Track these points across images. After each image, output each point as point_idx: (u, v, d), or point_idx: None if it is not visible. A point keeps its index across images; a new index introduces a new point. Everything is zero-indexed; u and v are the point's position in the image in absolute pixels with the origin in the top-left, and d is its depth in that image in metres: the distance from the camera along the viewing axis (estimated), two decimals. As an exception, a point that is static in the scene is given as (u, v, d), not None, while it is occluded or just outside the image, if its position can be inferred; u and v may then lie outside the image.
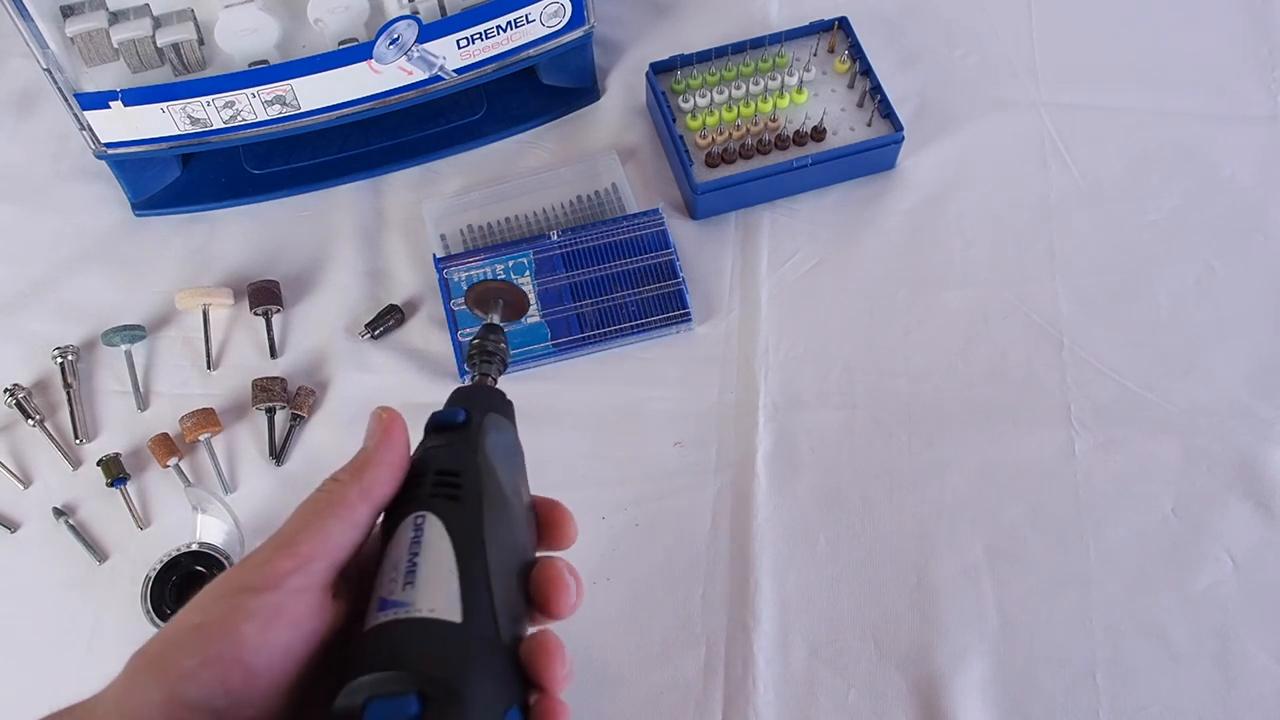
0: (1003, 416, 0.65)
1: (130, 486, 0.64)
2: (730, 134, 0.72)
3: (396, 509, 0.35)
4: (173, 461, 0.64)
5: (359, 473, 0.34)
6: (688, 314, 0.68)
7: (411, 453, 0.37)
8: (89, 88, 0.64)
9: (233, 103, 0.66)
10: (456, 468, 0.36)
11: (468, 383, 0.41)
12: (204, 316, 0.69)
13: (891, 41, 0.79)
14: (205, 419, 0.65)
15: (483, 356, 0.41)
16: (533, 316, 0.67)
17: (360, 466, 0.34)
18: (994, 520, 0.61)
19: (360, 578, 0.34)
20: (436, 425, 0.38)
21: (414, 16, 0.65)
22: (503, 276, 0.68)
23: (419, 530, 0.33)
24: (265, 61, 0.66)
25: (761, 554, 0.61)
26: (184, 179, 0.75)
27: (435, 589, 0.32)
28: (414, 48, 0.66)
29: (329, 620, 0.31)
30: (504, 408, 0.40)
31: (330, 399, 0.67)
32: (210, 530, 0.60)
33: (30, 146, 0.78)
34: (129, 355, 0.68)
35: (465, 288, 0.42)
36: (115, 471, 0.64)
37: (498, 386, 0.40)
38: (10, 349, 0.69)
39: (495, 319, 0.43)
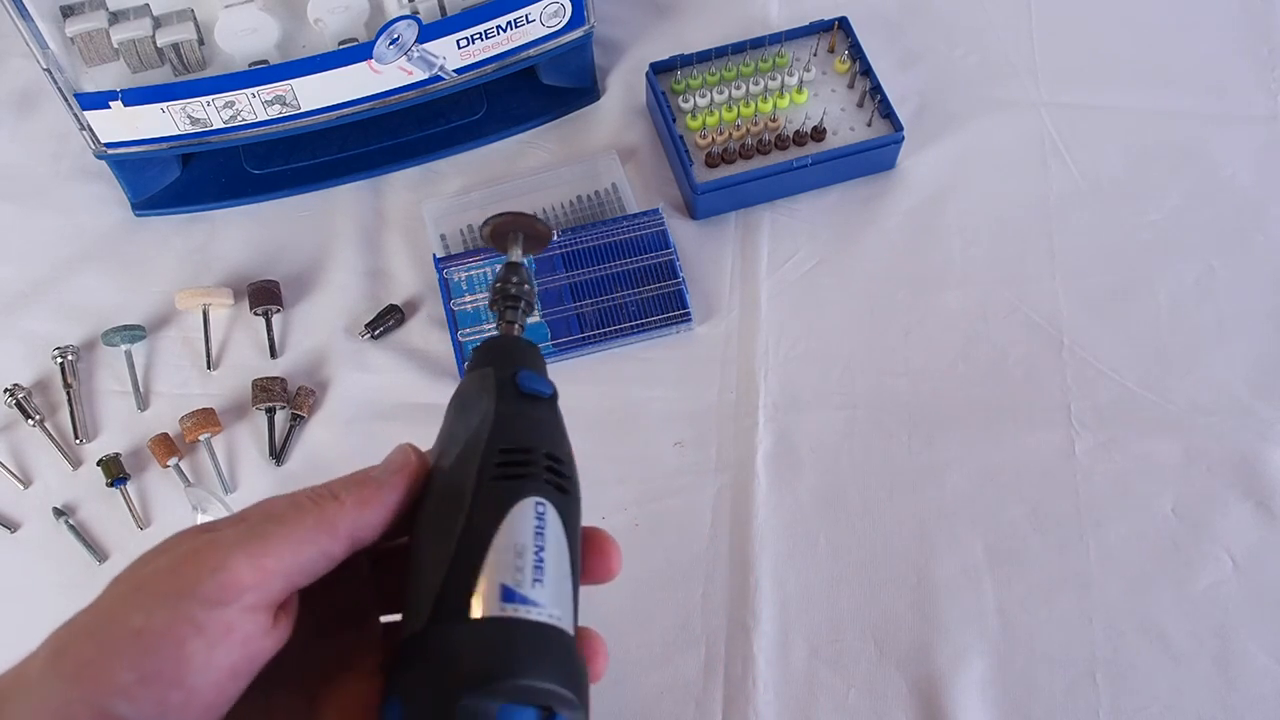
0: (1003, 416, 0.65)
1: (130, 486, 0.64)
2: (730, 134, 0.72)
3: (502, 477, 0.30)
4: (173, 461, 0.64)
5: (359, 506, 0.30)
6: (688, 314, 0.68)
7: (490, 406, 0.32)
8: (89, 88, 0.64)
9: (233, 103, 0.66)
10: (561, 455, 0.32)
11: (493, 332, 0.36)
12: (204, 316, 0.69)
13: (891, 41, 0.79)
14: (205, 419, 0.65)
15: (508, 301, 0.36)
16: (533, 316, 0.67)
17: (362, 501, 0.31)
18: (994, 520, 0.61)
19: (309, 596, 0.30)
20: (527, 390, 0.33)
21: (414, 16, 0.65)
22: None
23: (541, 520, 0.30)
24: (265, 61, 0.66)
25: (761, 554, 0.61)
26: (184, 179, 0.75)
27: (558, 593, 0.29)
28: (414, 48, 0.66)
29: (276, 640, 0.29)
30: (538, 361, 0.36)
31: (330, 399, 0.67)
32: (210, 530, 0.60)
33: (30, 146, 0.78)
34: (129, 355, 0.68)
35: (481, 229, 0.37)
36: (115, 471, 0.64)
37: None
38: (10, 349, 0.69)
39: (517, 255, 0.37)
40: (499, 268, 0.37)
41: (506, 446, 0.31)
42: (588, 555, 0.33)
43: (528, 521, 0.30)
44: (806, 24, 0.76)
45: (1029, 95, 0.77)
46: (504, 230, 0.37)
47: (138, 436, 0.66)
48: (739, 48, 0.74)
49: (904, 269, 0.70)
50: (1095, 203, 0.72)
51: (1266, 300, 0.68)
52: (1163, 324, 0.68)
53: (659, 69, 0.74)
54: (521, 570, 0.29)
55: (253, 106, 0.67)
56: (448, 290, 0.68)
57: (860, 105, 0.73)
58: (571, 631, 0.29)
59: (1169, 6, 0.81)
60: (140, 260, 0.73)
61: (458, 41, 0.68)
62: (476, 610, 0.28)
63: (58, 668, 0.27)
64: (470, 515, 0.30)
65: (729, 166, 0.71)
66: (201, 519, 0.61)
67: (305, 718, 0.31)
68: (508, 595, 0.28)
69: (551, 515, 0.30)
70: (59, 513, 0.63)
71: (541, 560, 0.29)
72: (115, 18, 0.63)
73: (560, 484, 0.31)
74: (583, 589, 0.32)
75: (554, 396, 0.34)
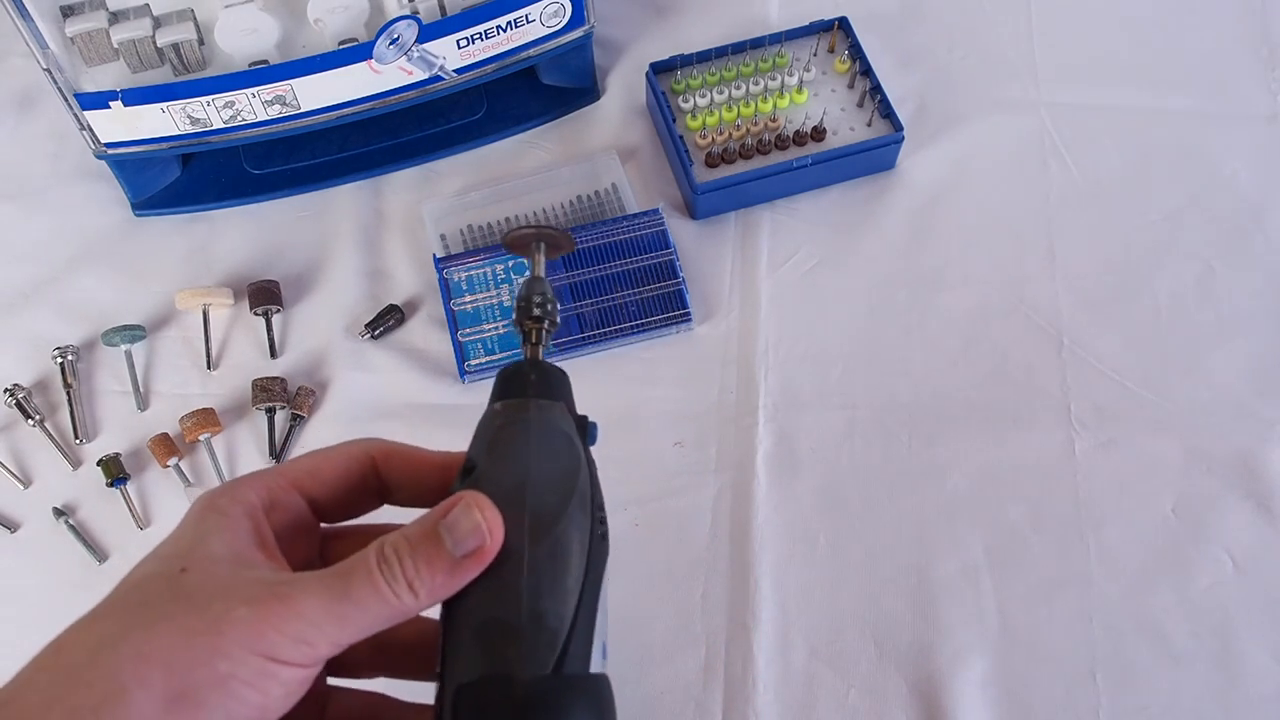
0: (1003, 416, 0.65)
1: (130, 486, 0.64)
2: (730, 134, 0.72)
3: (599, 536, 0.32)
4: (173, 461, 0.64)
5: (430, 597, 0.30)
6: (688, 314, 0.68)
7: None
8: (89, 88, 0.64)
9: (233, 103, 0.66)
10: (603, 503, 0.33)
11: (522, 357, 0.36)
12: (204, 316, 0.69)
13: (891, 41, 0.79)
14: (205, 419, 0.65)
15: (532, 323, 0.35)
16: (533, 316, 0.67)
17: (433, 592, 0.30)
18: (994, 520, 0.61)
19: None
20: (592, 441, 0.35)
21: (414, 16, 0.65)
22: (503, 277, 0.68)
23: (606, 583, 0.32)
24: (265, 61, 0.66)
25: (761, 554, 0.61)
26: (184, 179, 0.75)
27: (598, 643, 0.31)
28: (414, 48, 0.66)
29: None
30: (567, 389, 0.36)
31: (330, 399, 0.67)
32: (210, 530, 0.60)
33: (30, 146, 0.78)
34: (129, 355, 0.68)
35: (503, 239, 0.37)
36: (115, 471, 0.64)
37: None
38: (10, 349, 0.69)
39: (540, 268, 0.36)
40: (520, 283, 0.37)
41: (600, 503, 0.33)
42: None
43: (607, 585, 0.32)
44: (806, 24, 0.76)
45: (1029, 95, 0.77)
46: (526, 242, 0.37)
47: (138, 436, 0.66)
48: (739, 48, 0.74)
49: (904, 269, 0.70)
50: (1095, 203, 0.72)
51: (1266, 300, 0.68)
52: (1163, 324, 0.68)
53: (659, 69, 0.74)
54: (606, 628, 0.31)
55: (253, 106, 0.67)
56: (448, 290, 0.68)
57: (860, 105, 0.73)
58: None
59: (1169, 6, 0.81)
60: (140, 260, 0.73)
61: (458, 41, 0.68)
62: (595, 665, 0.31)
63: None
64: (587, 572, 0.31)
65: (729, 166, 0.71)
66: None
67: None
68: (604, 653, 0.31)
69: (606, 573, 0.32)
70: (59, 513, 0.63)
71: (605, 622, 0.32)
72: (115, 18, 0.63)
73: (604, 534, 0.33)
74: None
75: (593, 439, 0.35)
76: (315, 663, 0.30)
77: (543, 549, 0.31)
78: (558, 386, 0.35)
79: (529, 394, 0.34)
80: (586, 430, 0.34)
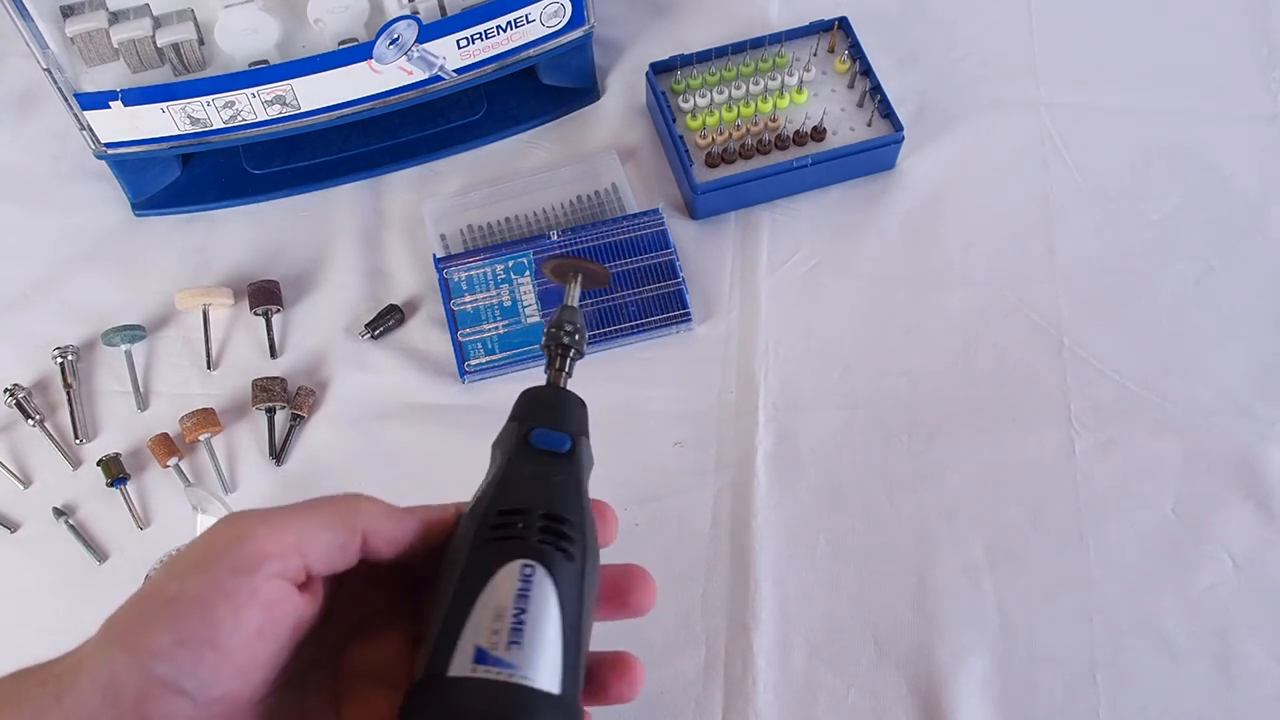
0: (1003, 416, 0.65)
1: (130, 486, 0.64)
2: (730, 134, 0.72)
3: (493, 539, 0.32)
4: (173, 461, 0.64)
5: (378, 516, 0.33)
6: (688, 314, 0.68)
7: (499, 467, 0.34)
8: (89, 88, 0.64)
9: (233, 103, 0.66)
10: (567, 515, 0.33)
11: (544, 380, 0.37)
12: (204, 316, 0.69)
13: (891, 41, 0.79)
14: (205, 419, 0.65)
15: (559, 349, 0.37)
16: (533, 316, 0.67)
17: (383, 512, 0.33)
18: (994, 520, 0.61)
19: (336, 584, 0.33)
20: (538, 446, 0.35)
21: (414, 16, 0.65)
22: (502, 277, 0.68)
23: (527, 583, 0.31)
24: (265, 61, 0.66)
25: (761, 554, 0.61)
26: (184, 179, 0.75)
27: (541, 655, 0.30)
28: (414, 48, 0.66)
29: (302, 608, 0.31)
30: (586, 422, 0.37)
31: (330, 399, 0.67)
32: (210, 530, 0.60)
33: (30, 146, 0.78)
34: (129, 355, 0.68)
35: (541, 266, 0.39)
36: (115, 471, 0.64)
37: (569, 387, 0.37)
38: (10, 349, 0.69)
39: (575, 298, 0.39)
40: (555, 311, 0.38)
41: (504, 508, 0.33)
42: (619, 593, 0.35)
43: (511, 584, 0.31)
44: (806, 24, 0.76)
45: (1029, 95, 0.77)
46: (564, 271, 0.39)
47: (138, 436, 0.66)
48: (739, 48, 0.74)
49: (904, 269, 0.70)
50: (1095, 203, 0.72)
51: (1266, 300, 0.68)
52: (1163, 324, 0.68)
53: (659, 69, 0.74)
54: (498, 633, 0.30)
55: (253, 106, 0.67)
56: (448, 290, 0.68)
57: (860, 105, 0.73)
58: (558, 691, 0.30)
59: (1169, 6, 0.81)
60: (140, 260, 0.73)
61: (458, 41, 0.68)
62: (452, 669, 0.30)
63: (107, 637, 0.30)
64: (463, 575, 0.31)
65: (729, 166, 0.71)
66: (202, 519, 0.61)
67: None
68: (480, 657, 0.30)
69: (540, 578, 0.31)
70: (59, 513, 0.63)
71: (521, 624, 0.30)
72: (115, 18, 0.63)
73: (560, 545, 0.32)
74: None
75: (572, 451, 0.35)
76: (277, 556, 0.31)
77: (444, 555, 0.33)
78: (526, 405, 0.36)
79: (517, 417, 0.36)
80: (523, 440, 0.35)
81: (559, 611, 0.31)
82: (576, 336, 0.38)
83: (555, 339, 0.37)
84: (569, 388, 0.37)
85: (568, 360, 0.37)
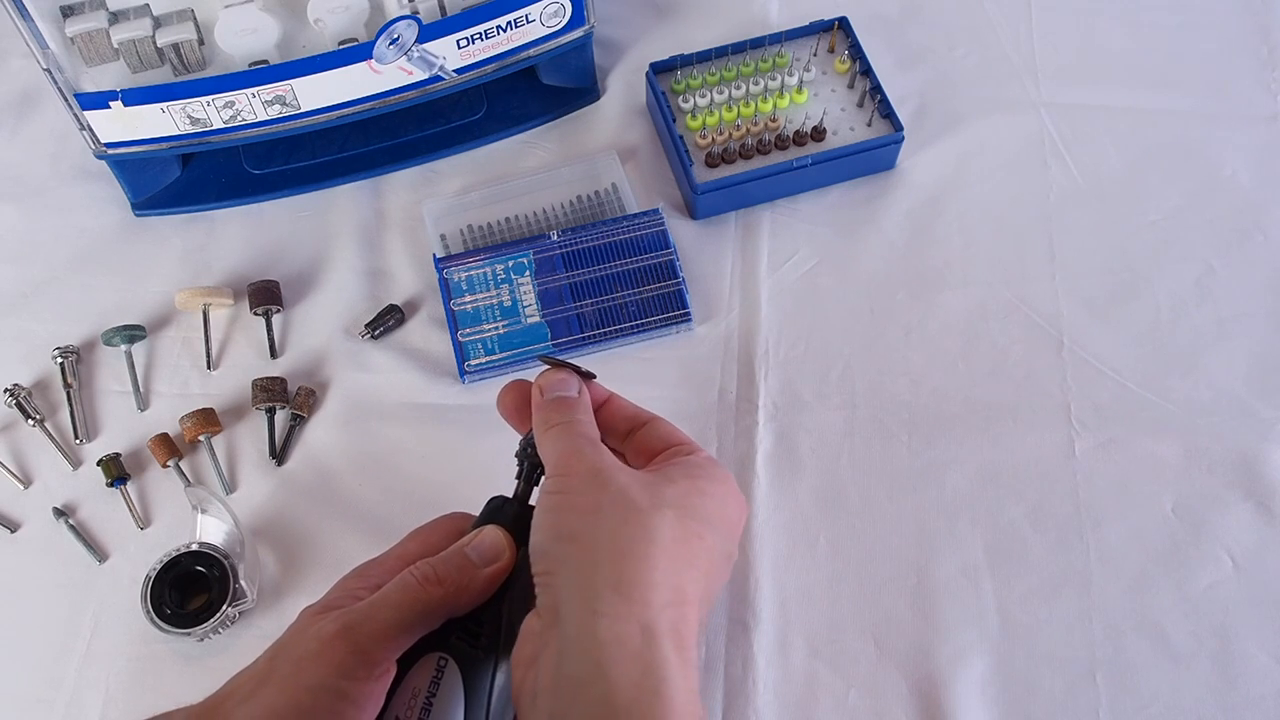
0: (1003, 416, 0.65)
1: (130, 486, 0.64)
2: (730, 134, 0.72)
3: (431, 632, 0.39)
4: (173, 461, 0.64)
5: (458, 594, 0.40)
6: (688, 314, 0.68)
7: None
8: (89, 88, 0.64)
9: (233, 103, 0.66)
10: (483, 617, 0.39)
11: (511, 490, 0.44)
12: (204, 316, 0.69)
13: (891, 41, 0.79)
14: (205, 419, 0.65)
15: (532, 467, 0.43)
16: (533, 317, 0.67)
17: (460, 588, 0.40)
18: (994, 520, 0.61)
19: None
20: None
21: (414, 16, 0.65)
22: (502, 277, 0.68)
23: (439, 671, 0.39)
24: (265, 61, 0.66)
25: (761, 554, 0.61)
26: (184, 179, 0.75)
27: None
28: (414, 48, 0.66)
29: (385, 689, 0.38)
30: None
31: (330, 399, 0.67)
32: (210, 530, 0.60)
33: (30, 147, 0.78)
34: (129, 355, 0.68)
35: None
36: (115, 471, 0.64)
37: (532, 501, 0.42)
38: (10, 349, 0.69)
39: None
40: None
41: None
42: None
43: (427, 672, 0.39)
44: (806, 24, 0.76)
45: (1029, 95, 0.77)
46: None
47: (138, 436, 0.66)
48: (739, 48, 0.74)
49: (904, 269, 0.70)
50: (1095, 203, 0.72)
51: (1266, 300, 0.68)
52: (1163, 324, 0.68)
53: (659, 69, 0.74)
54: (412, 709, 0.38)
55: (253, 106, 0.67)
56: (448, 290, 0.68)
57: (860, 105, 0.73)
58: None
59: (1169, 6, 0.81)
60: (140, 260, 0.73)
61: (458, 41, 0.68)
62: None
63: None
64: (402, 658, 0.39)
65: (729, 166, 0.71)
66: (201, 518, 0.61)
67: None
68: None
69: (450, 670, 0.39)
70: (59, 513, 0.63)
71: (429, 705, 0.38)
72: (115, 18, 0.63)
73: (471, 643, 0.39)
74: None
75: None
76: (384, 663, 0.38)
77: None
78: (487, 513, 0.43)
79: (479, 522, 0.43)
80: None
81: (463, 697, 0.38)
82: None
83: (531, 457, 0.43)
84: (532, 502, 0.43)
85: (536, 475, 0.44)
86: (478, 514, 0.44)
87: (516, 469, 0.44)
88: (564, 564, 0.38)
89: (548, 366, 0.45)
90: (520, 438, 0.45)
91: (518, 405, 0.45)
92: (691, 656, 0.37)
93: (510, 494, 0.44)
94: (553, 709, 0.35)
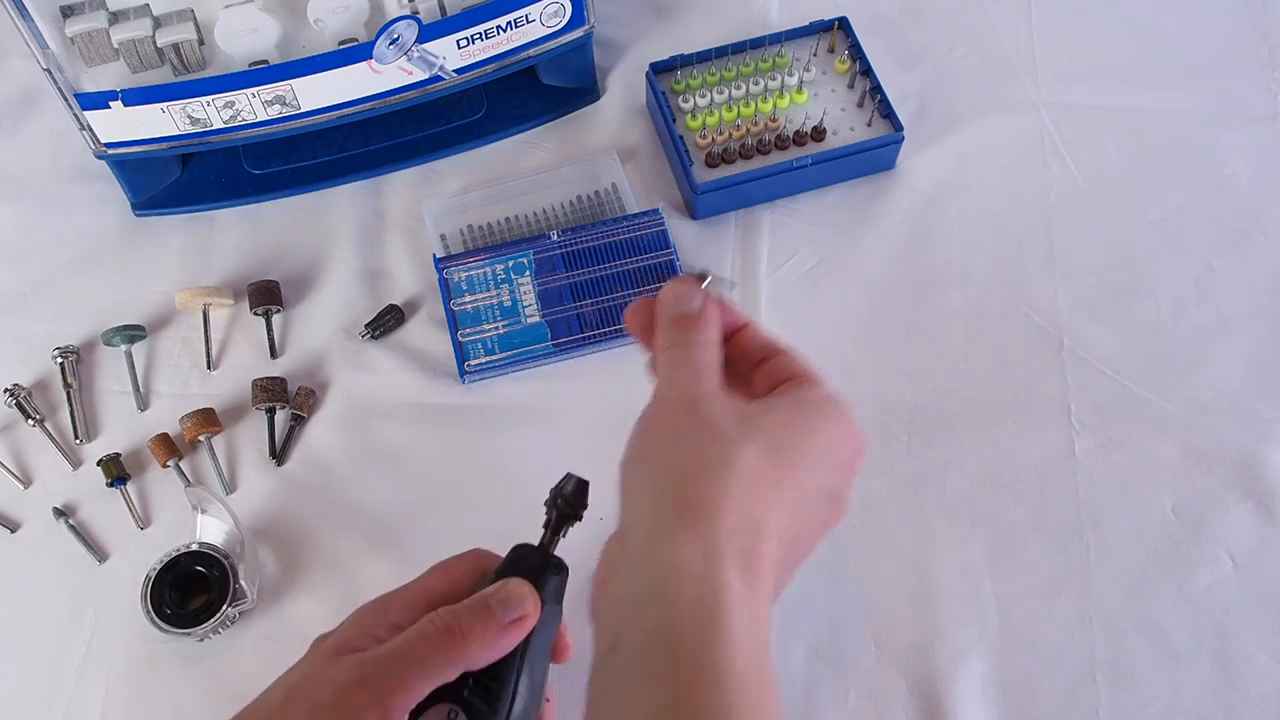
0: (1003, 416, 0.65)
1: (130, 486, 0.64)
2: (730, 134, 0.72)
3: (444, 685, 0.39)
4: (173, 461, 0.64)
5: (481, 648, 0.40)
6: (688, 314, 0.68)
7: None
8: (89, 88, 0.64)
9: (233, 103, 0.66)
10: (499, 674, 0.40)
11: (539, 538, 0.44)
12: (204, 316, 0.69)
13: (891, 41, 0.79)
14: (205, 419, 0.65)
15: (561, 519, 0.44)
16: (533, 317, 0.67)
17: (484, 643, 0.40)
18: (994, 520, 0.61)
19: None
20: None
21: (414, 16, 0.65)
22: (502, 277, 0.68)
23: None
24: (265, 61, 0.66)
25: (761, 554, 0.60)
26: (184, 179, 0.75)
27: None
28: (414, 48, 0.66)
29: None
30: (562, 589, 0.44)
31: (330, 399, 0.67)
32: (210, 530, 0.60)
33: (30, 147, 0.78)
34: (129, 355, 0.68)
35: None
36: (115, 471, 0.64)
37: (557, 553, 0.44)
38: (10, 349, 0.69)
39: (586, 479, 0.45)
40: (571, 480, 0.45)
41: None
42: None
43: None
44: (806, 24, 0.76)
45: (1029, 95, 0.77)
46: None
47: (138, 436, 0.66)
48: (739, 48, 0.74)
49: (904, 269, 0.70)
50: (1095, 203, 0.72)
51: (1266, 300, 0.68)
52: (1163, 324, 0.68)
53: (659, 69, 0.74)
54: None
55: (253, 106, 0.67)
56: (448, 290, 0.68)
57: (860, 105, 0.73)
58: None
59: (1169, 6, 0.81)
60: (140, 260, 0.73)
61: (458, 41, 0.68)
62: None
63: None
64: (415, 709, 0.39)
65: (729, 166, 0.71)
66: (201, 518, 0.61)
67: None
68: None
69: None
70: (59, 513, 0.63)
71: None
72: (115, 18, 0.63)
73: (485, 699, 0.40)
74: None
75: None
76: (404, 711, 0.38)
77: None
78: (512, 563, 0.43)
79: (501, 571, 0.44)
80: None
81: None
82: (583, 509, 0.44)
83: (563, 510, 0.44)
84: (557, 552, 0.44)
85: (566, 524, 0.44)
86: (500, 554, 0.44)
87: (545, 516, 0.44)
88: (639, 483, 0.38)
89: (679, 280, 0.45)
90: (550, 487, 0.46)
91: (645, 325, 0.45)
92: (762, 586, 0.36)
93: (536, 542, 0.44)
94: (617, 627, 0.36)
